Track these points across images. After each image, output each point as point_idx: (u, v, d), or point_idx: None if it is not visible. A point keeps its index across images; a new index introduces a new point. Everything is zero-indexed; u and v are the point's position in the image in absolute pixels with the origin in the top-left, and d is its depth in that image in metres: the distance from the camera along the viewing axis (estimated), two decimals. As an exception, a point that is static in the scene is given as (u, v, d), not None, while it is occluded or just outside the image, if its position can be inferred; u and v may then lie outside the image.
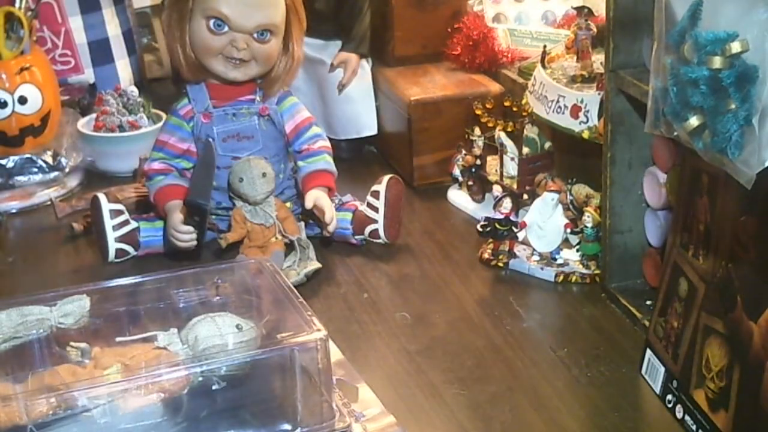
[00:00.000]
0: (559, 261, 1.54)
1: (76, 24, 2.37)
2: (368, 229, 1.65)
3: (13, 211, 1.87)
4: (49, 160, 1.95)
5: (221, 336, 1.10)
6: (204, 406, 1.08)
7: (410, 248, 1.67)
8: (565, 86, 1.59)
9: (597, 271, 1.49)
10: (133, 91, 2.16)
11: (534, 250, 1.56)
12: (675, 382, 1.16)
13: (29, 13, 1.96)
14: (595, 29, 1.64)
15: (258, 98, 1.64)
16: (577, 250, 1.54)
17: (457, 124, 1.86)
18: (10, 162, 1.93)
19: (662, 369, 1.20)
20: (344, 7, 2.00)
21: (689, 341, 1.14)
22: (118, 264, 1.62)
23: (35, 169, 1.94)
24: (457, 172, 1.83)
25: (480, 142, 1.77)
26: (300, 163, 1.65)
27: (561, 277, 1.51)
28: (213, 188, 1.57)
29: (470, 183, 1.81)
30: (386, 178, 1.66)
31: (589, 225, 1.49)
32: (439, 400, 1.22)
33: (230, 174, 1.58)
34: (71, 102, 2.22)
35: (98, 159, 2.01)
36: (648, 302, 1.38)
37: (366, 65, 2.03)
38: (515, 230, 1.57)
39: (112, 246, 1.60)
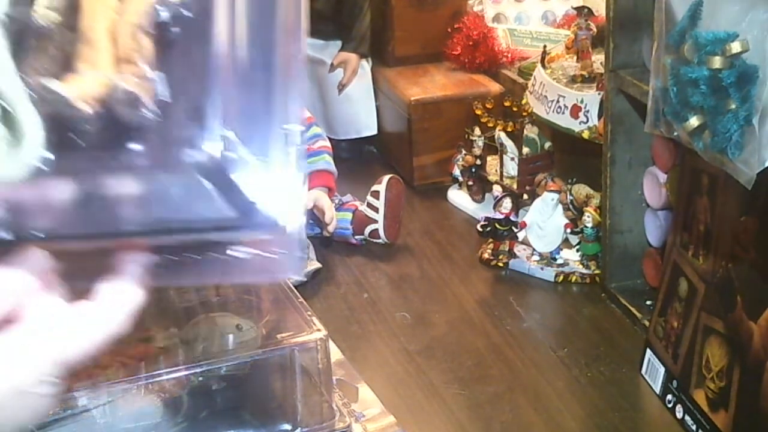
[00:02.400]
0: (559, 261, 1.54)
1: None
2: (368, 229, 1.65)
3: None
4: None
5: (221, 336, 1.10)
6: (204, 406, 1.08)
7: (410, 248, 1.67)
8: (565, 86, 1.59)
9: (597, 271, 1.49)
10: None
11: (534, 250, 1.56)
12: (675, 382, 1.16)
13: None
14: (595, 29, 1.64)
15: (258, 98, 1.64)
16: (577, 250, 1.54)
17: (457, 124, 1.86)
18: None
19: (662, 369, 1.20)
20: (344, 7, 2.00)
21: (689, 341, 1.14)
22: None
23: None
24: (457, 172, 1.83)
25: (480, 142, 1.77)
26: (300, 163, 1.65)
27: (561, 277, 1.51)
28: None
29: (470, 183, 1.81)
30: (386, 178, 1.66)
31: (589, 225, 1.49)
32: (439, 400, 1.22)
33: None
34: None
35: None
36: (648, 302, 1.37)
37: (366, 65, 2.03)
38: (515, 230, 1.57)
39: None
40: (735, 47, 0.87)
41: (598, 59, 1.60)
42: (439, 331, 1.39)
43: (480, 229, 1.64)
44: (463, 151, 1.80)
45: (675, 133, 0.98)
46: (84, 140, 0.48)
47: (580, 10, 1.69)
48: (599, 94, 1.48)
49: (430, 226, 1.75)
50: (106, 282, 0.46)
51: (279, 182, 0.44)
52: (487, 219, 1.62)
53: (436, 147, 1.90)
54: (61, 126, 0.48)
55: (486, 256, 1.59)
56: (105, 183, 0.47)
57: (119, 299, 0.46)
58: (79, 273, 0.49)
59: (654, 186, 1.36)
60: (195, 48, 0.50)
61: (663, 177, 1.34)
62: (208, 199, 0.44)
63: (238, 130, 0.46)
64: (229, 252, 0.47)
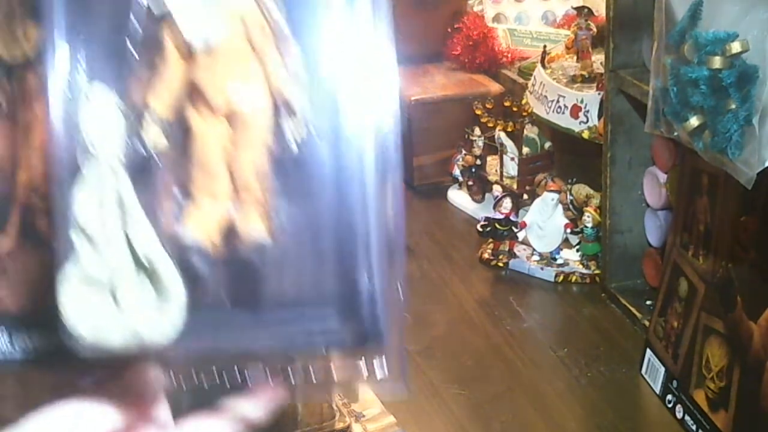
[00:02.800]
0: (559, 261, 1.54)
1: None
2: (368, 229, 1.64)
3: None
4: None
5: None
6: (204, 407, 1.08)
7: (410, 248, 1.67)
8: (565, 86, 1.59)
9: (597, 271, 1.49)
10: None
11: (534, 250, 1.56)
12: (675, 382, 1.16)
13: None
14: (595, 29, 1.64)
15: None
16: (577, 250, 1.54)
17: (457, 124, 1.86)
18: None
19: (662, 369, 1.20)
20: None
21: (689, 341, 1.14)
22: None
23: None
24: (457, 172, 1.83)
25: (480, 142, 1.77)
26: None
27: (561, 277, 1.51)
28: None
29: (470, 183, 1.81)
30: (386, 178, 1.66)
31: (589, 225, 1.49)
32: (439, 400, 1.22)
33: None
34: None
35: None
36: (648, 302, 1.38)
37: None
38: (515, 230, 1.57)
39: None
40: (735, 47, 0.87)
41: (598, 59, 1.60)
42: (439, 331, 1.39)
43: (480, 229, 1.64)
44: (463, 151, 1.80)
45: (675, 133, 0.98)
46: (212, 281, 0.51)
47: (580, 10, 1.69)
48: (599, 94, 1.48)
49: (430, 226, 1.75)
50: (226, 398, 0.48)
51: (386, 300, 0.48)
52: (487, 219, 1.62)
53: (436, 147, 1.90)
54: (190, 271, 0.51)
55: (486, 256, 1.59)
56: (232, 319, 0.49)
57: (239, 414, 0.48)
58: (197, 390, 0.52)
59: (654, 186, 1.36)
60: (316, 177, 0.54)
61: (663, 177, 1.34)
62: (331, 325, 0.48)
63: (357, 259, 0.50)
64: (337, 369, 0.52)
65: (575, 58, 1.66)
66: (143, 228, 0.54)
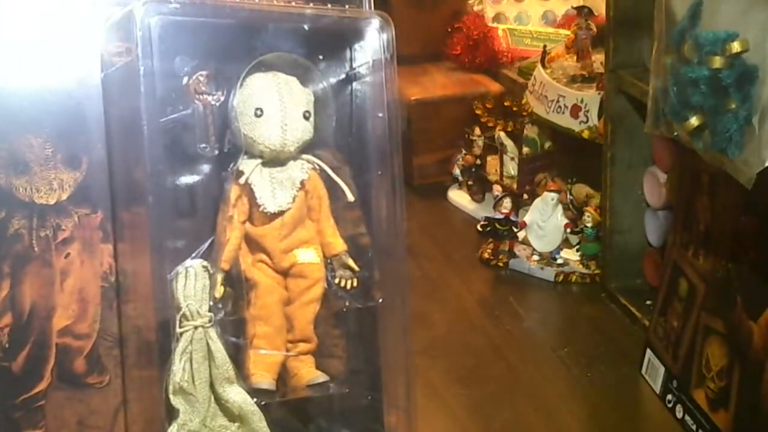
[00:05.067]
0: (559, 261, 1.54)
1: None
2: (368, 229, 1.65)
3: None
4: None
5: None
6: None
7: (410, 248, 1.66)
8: (565, 86, 1.59)
9: (597, 271, 1.49)
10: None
11: (534, 249, 1.56)
12: (675, 382, 1.16)
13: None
14: (595, 29, 1.64)
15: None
16: (577, 250, 1.54)
17: (457, 124, 1.86)
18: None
19: (662, 369, 1.20)
20: (344, 7, 2.00)
21: (689, 341, 1.14)
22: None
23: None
24: (457, 172, 1.83)
25: (480, 142, 1.77)
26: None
27: (561, 277, 1.51)
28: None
29: (470, 183, 1.81)
30: (386, 178, 1.66)
31: (589, 225, 1.49)
32: (439, 400, 1.22)
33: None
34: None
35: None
36: (648, 302, 1.38)
37: (366, 65, 2.03)
38: (515, 230, 1.57)
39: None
40: (735, 47, 0.87)
41: (598, 59, 1.60)
42: (439, 331, 1.39)
43: (480, 229, 1.64)
44: (463, 151, 1.81)
45: (675, 133, 0.98)
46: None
47: (580, 10, 1.69)
48: (599, 94, 1.48)
49: (430, 226, 1.75)
50: None
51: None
52: (487, 219, 1.62)
53: (436, 147, 1.90)
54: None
55: (486, 256, 1.59)
56: None
57: None
58: None
59: (654, 186, 1.36)
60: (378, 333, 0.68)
61: (663, 177, 1.34)
62: None
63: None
64: None
65: (575, 58, 1.66)
66: (232, 380, 0.64)
